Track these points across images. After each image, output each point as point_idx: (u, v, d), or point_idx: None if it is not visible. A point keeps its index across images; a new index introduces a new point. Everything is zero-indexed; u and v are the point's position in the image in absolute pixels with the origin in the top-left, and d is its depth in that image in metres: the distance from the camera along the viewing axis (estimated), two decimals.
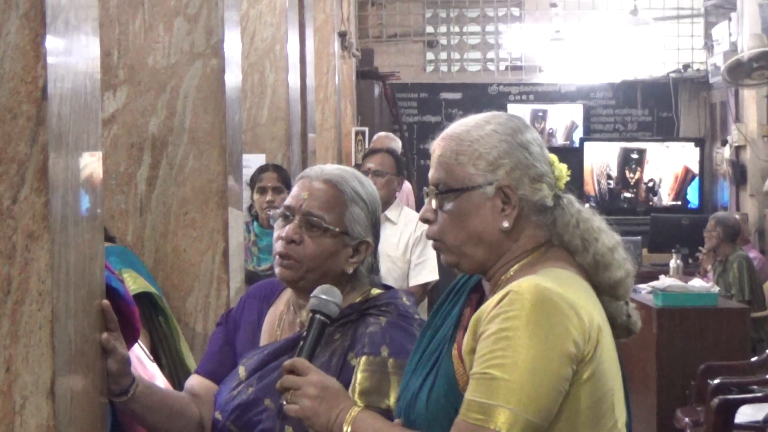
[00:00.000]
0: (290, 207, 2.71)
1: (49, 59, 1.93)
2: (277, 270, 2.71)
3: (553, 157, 2.33)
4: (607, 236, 2.30)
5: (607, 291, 2.28)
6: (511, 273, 2.25)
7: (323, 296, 2.49)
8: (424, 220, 2.33)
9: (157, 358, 3.67)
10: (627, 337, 2.34)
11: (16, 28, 1.90)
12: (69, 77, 2.06)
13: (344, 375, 2.53)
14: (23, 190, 1.91)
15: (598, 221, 2.32)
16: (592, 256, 2.27)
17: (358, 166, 6.66)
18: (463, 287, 2.41)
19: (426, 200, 2.33)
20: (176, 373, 3.64)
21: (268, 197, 6.10)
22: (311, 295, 2.51)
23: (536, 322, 2.07)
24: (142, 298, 3.61)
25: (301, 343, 2.45)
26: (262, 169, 6.42)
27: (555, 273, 2.19)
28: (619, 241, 2.31)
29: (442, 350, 2.28)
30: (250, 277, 5.11)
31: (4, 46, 1.90)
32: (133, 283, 3.58)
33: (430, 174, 2.32)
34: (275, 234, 2.73)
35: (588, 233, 2.28)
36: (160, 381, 3.06)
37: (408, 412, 2.28)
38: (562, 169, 2.33)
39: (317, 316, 2.46)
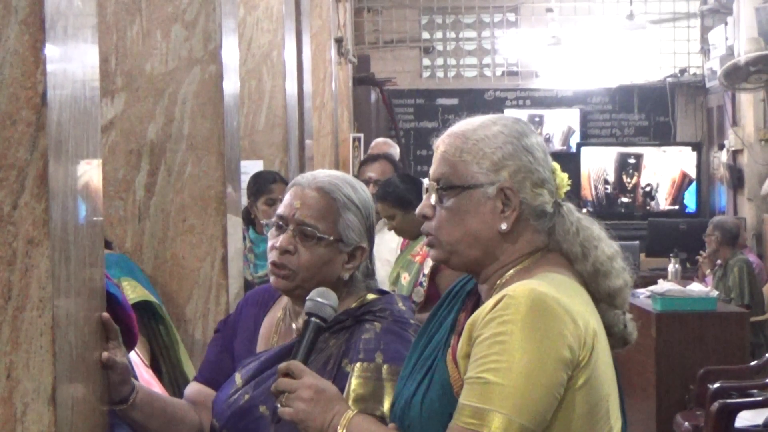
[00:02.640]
0: (283, 216, 2.69)
1: (49, 66, 1.93)
2: (272, 279, 2.70)
3: (555, 166, 2.33)
4: (607, 245, 2.29)
5: (605, 299, 2.27)
6: (507, 277, 2.24)
7: (319, 299, 2.48)
8: (422, 216, 2.32)
9: (156, 367, 3.66)
10: (623, 347, 2.33)
11: (15, 34, 1.90)
12: (68, 84, 2.06)
13: (338, 381, 2.51)
14: (23, 196, 1.91)
15: (598, 229, 2.31)
16: (592, 264, 2.26)
17: (355, 174, 6.66)
18: (459, 292, 2.40)
19: (425, 195, 2.33)
20: (176, 382, 3.63)
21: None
22: (307, 298, 2.50)
23: (531, 327, 2.07)
24: (142, 307, 3.60)
25: (296, 345, 2.44)
26: (268, 179, 6.37)
27: (551, 278, 2.19)
28: (618, 251, 2.31)
29: (437, 355, 2.27)
30: (247, 284, 5.10)
31: (4, 52, 1.90)
32: (132, 292, 3.57)
33: (432, 169, 2.31)
34: (269, 243, 2.72)
35: (588, 241, 2.27)
36: (156, 388, 3.06)
37: (402, 417, 2.27)
38: (563, 178, 2.33)
39: (313, 319, 2.46)
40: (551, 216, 2.28)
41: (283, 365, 2.37)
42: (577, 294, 2.20)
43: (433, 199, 2.30)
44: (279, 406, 2.33)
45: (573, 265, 2.27)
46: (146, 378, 3.05)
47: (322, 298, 2.49)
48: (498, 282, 2.25)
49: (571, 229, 2.27)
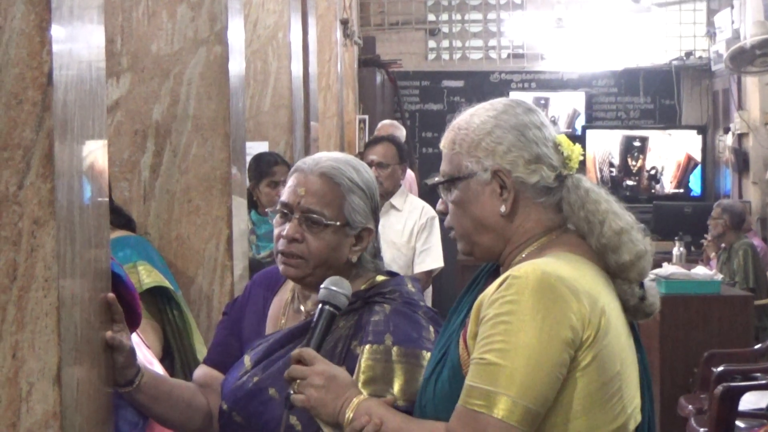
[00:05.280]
0: (288, 204, 2.68)
1: (54, 46, 1.93)
2: (281, 268, 2.69)
3: (562, 138, 2.33)
4: (616, 219, 2.28)
5: (617, 274, 2.27)
6: (520, 258, 2.26)
7: (333, 288, 2.48)
8: (440, 213, 2.39)
9: (169, 352, 3.65)
10: (645, 318, 2.33)
11: (21, 14, 1.90)
12: (74, 64, 2.06)
13: (348, 363, 2.52)
14: (29, 176, 1.91)
15: (606, 203, 2.30)
16: (597, 239, 2.26)
17: (360, 155, 6.65)
18: (487, 273, 2.43)
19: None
20: (189, 368, 3.62)
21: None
22: (321, 286, 2.50)
23: (534, 307, 2.08)
24: (156, 291, 3.59)
25: (310, 333, 2.45)
26: (270, 162, 6.36)
27: (560, 257, 2.20)
28: (630, 224, 2.29)
29: (453, 336, 2.28)
30: (251, 266, 5.09)
31: (10, 32, 1.90)
32: (147, 276, 3.56)
33: (440, 167, 2.37)
34: (275, 231, 2.71)
35: (593, 215, 2.27)
36: (157, 367, 3.05)
37: (420, 398, 2.31)
38: (574, 150, 2.32)
39: (326, 307, 2.46)
40: (556, 191, 2.29)
41: (295, 352, 2.39)
42: (588, 272, 2.21)
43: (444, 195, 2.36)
44: (292, 392, 2.34)
45: (585, 240, 2.27)
46: (148, 358, 3.04)
47: (336, 286, 2.49)
48: (513, 263, 2.27)
49: (576, 203, 2.28)
